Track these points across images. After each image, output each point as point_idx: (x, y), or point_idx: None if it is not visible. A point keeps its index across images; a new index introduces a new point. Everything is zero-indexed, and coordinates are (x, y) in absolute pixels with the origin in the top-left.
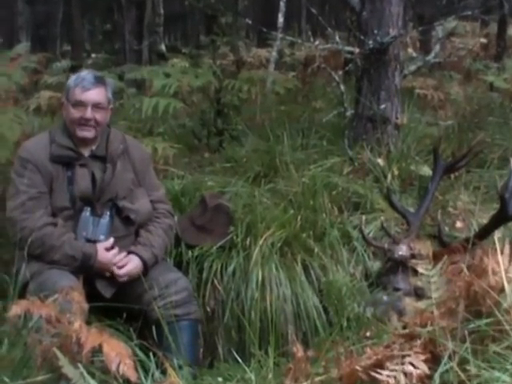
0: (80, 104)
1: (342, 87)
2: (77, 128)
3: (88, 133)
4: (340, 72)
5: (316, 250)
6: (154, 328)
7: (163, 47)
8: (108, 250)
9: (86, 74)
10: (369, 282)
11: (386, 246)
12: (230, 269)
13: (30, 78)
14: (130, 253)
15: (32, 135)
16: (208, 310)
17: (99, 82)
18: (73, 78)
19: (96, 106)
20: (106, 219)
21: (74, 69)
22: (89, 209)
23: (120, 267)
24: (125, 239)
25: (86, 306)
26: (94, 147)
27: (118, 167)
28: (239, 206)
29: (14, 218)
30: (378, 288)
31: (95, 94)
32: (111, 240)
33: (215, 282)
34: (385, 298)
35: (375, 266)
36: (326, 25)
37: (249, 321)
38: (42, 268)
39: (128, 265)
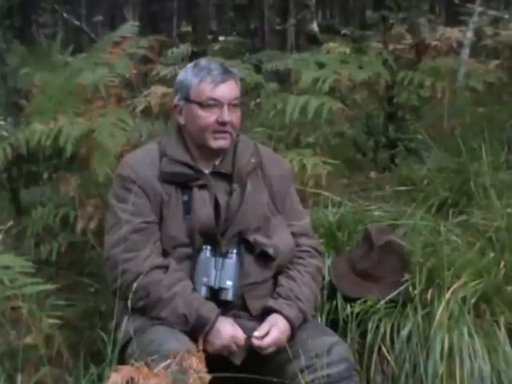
0: (213, 103)
1: None
2: (210, 136)
3: (224, 141)
4: None
5: None
6: None
7: (315, 27)
8: (233, 327)
9: (209, 64)
10: None
11: None
12: (405, 332)
13: (138, 69)
14: (268, 311)
15: (139, 145)
16: None
17: (229, 72)
18: (189, 70)
19: (232, 104)
20: (232, 259)
21: (195, 56)
22: (209, 247)
23: (262, 336)
24: (260, 287)
25: (207, 376)
26: (217, 162)
27: (249, 188)
28: (418, 246)
29: (114, 258)
30: None
31: (229, 88)
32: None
33: (383, 349)
34: None
35: None
36: None
37: None
38: (146, 324)
39: (272, 331)
